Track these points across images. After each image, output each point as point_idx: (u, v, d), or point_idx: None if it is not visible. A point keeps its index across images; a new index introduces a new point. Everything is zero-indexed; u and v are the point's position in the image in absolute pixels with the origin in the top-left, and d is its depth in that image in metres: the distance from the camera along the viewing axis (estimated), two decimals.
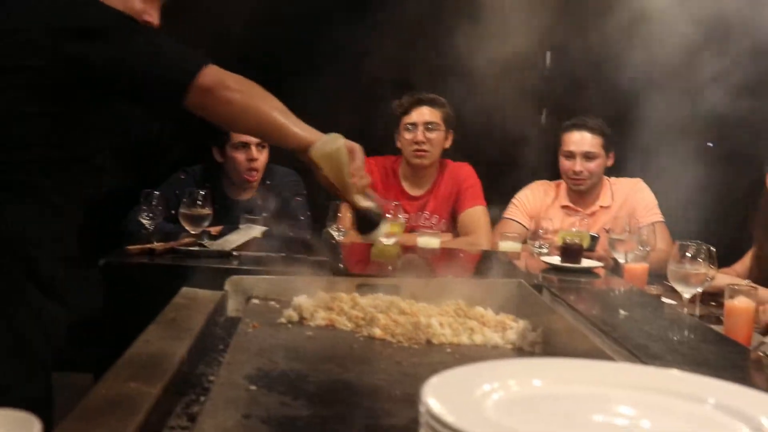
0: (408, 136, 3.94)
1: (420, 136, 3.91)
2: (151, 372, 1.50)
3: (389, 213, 3.24)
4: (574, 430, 0.81)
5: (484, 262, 3.27)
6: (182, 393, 1.58)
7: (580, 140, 3.94)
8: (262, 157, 3.85)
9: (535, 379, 0.90)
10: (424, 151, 3.91)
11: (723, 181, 4.31)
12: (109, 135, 2.07)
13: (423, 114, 3.94)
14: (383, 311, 2.08)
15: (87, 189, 2.06)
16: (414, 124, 3.93)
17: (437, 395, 0.84)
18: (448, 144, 4.00)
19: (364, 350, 1.87)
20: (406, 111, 3.96)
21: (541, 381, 0.90)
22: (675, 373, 0.94)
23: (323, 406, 1.46)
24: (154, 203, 3.21)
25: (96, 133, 2.05)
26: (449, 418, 0.79)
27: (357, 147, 2.07)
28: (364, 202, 2.09)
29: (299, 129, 2.03)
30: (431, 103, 3.96)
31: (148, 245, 2.60)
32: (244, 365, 1.67)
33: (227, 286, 2.27)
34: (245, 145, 3.81)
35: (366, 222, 2.12)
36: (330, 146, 2.02)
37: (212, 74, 1.94)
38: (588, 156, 3.93)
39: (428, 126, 3.91)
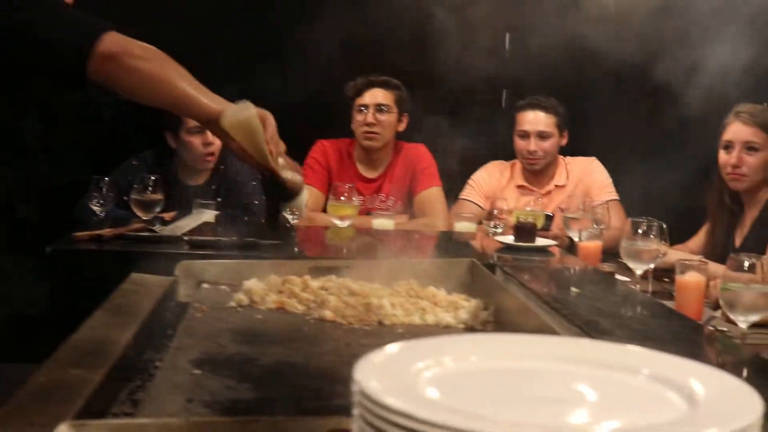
0: (359, 117, 3.91)
1: (370, 118, 3.88)
2: (94, 358, 1.47)
3: (344, 195, 3.22)
4: (505, 403, 0.80)
5: (438, 243, 3.26)
6: (128, 379, 1.55)
7: (534, 120, 3.94)
8: (217, 141, 3.80)
9: (471, 355, 0.89)
10: (375, 133, 3.89)
11: (679, 158, 4.35)
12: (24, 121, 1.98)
13: (374, 96, 3.91)
14: (334, 293, 2.06)
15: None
16: (365, 106, 3.90)
17: (369, 373, 0.82)
18: (402, 127, 3.98)
19: (314, 333, 1.86)
20: (359, 93, 3.93)
21: (477, 357, 0.88)
22: (610, 345, 0.93)
23: (268, 389, 1.44)
24: (104, 190, 3.16)
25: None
26: (381, 396, 0.77)
27: (268, 114, 2.00)
28: (284, 171, 2.04)
29: (208, 99, 1.95)
30: (383, 85, 3.93)
31: (96, 231, 2.56)
32: (190, 350, 1.64)
33: (177, 271, 2.23)
34: (200, 130, 3.75)
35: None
36: (241, 115, 1.95)
37: (116, 40, 1.85)
38: (542, 135, 3.93)
39: (379, 108, 3.89)
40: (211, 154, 3.79)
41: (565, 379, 0.86)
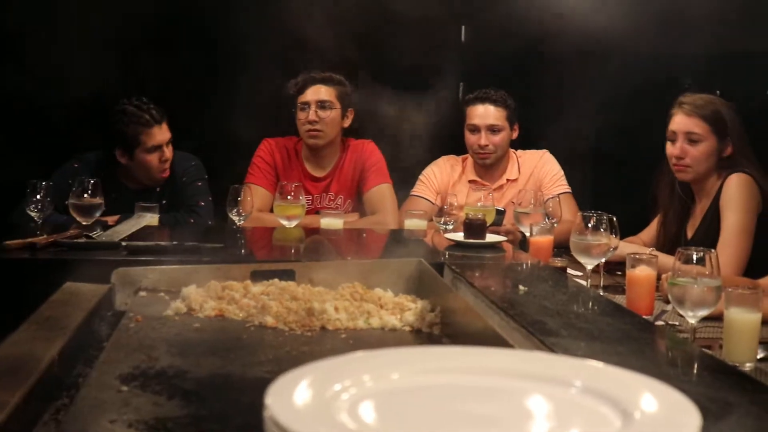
0: (302, 115, 3.83)
1: (312, 116, 3.80)
2: (12, 378, 1.39)
3: (291, 195, 3.14)
4: (430, 423, 0.74)
5: (387, 242, 3.21)
6: (54, 398, 1.47)
7: (484, 113, 3.89)
8: (169, 152, 3.71)
9: (393, 372, 0.82)
10: (317, 130, 3.81)
11: (632, 149, 4.34)
12: None
13: (316, 93, 3.83)
14: (276, 298, 1.99)
15: None
16: (307, 104, 3.82)
17: (280, 399, 0.76)
18: (347, 123, 3.90)
19: (254, 340, 1.79)
20: (300, 90, 3.85)
21: (398, 374, 0.82)
22: (540, 355, 0.87)
23: (199, 405, 1.37)
24: (41, 194, 3.05)
25: None
26: (292, 425, 0.71)
27: None
28: None
29: None
30: (325, 82, 3.85)
31: (29, 239, 2.46)
32: (119, 364, 1.56)
33: (114, 279, 2.15)
34: (158, 148, 3.66)
35: None
36: None
37: None
38: (492, 129, 3.89)
39: (321, 105, 3.81)
40: (167, 167, 3.71)
41: (490, 395, 0.81)
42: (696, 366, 1.49)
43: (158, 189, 3.77)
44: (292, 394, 0.77)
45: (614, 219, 2.49)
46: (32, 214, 3.05)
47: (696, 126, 3.07)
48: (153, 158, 3.68)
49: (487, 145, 3.88)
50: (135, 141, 3.64)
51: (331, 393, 0.78)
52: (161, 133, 3.67)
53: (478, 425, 0.75)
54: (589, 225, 2.47)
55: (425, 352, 0.90)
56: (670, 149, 3.12)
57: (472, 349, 0.88)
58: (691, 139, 3.07)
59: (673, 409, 0.77)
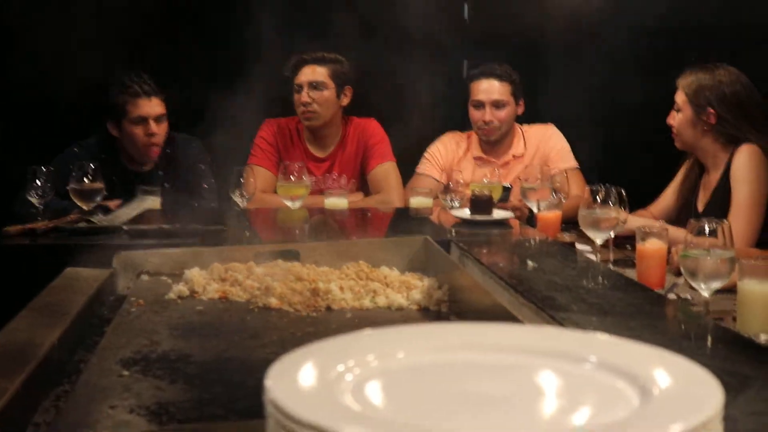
0: (297, 97, 3.78)
1: (305, 97, 3.75)
2: (13, 364, 1.36)
3: (294, 175, 3.10)
4: (435, 408, 0.70)
5: (393, 221, 3.17)
6: (54, 384, 1.44)
7: (488, 89, 3.83)
8: (161, 130, 3.65)
9: (398, 351, 0.79)
10: (311, 112, 3.76)
11: (638, 122, 4.28)
12: None
13: (308, 73, 3.77)
14: (280, 279, 1.96)
15: None
16: (300, 85, 3.77)
17: (281, 381, 0.72)
18: (345, 101, 3.84)
19: (258, 322, 1.76)
20: (294, 71, 3.79)
21: (405, 352, 0.79)
22: (553, 330, 0.83)
23: (202, 389, 1.34)
24: (42, 180, 3.02)
25: None
26: (293, 408, 0.67)
27: None
28: None
29: None
30: (318, 61, 3.78)
31: (29, 225, 2.43)
32: (120, 349, 1.54)
33: (115, 263, 2.13)
34: (143, 120, 3.61)
35: None
36: None
37: None
38: (497, 104, 3.83)
39: (313, 85, 3.75)
40: (155, 144, 3.64)
41: (502, 372, 0.77)
42: (711, 339, 1.45)
43: (160, 172, 3.73)
44: (294, 376, 0.73)
45: (623, 192, 2.45)
46: (33, 200, 3.02)
47: (678, 96, 3.16)
48: (138, 131, 3.62)
49: (491, 121, 3.83)
50: (122, 111, 3.61)
51: (335, 374, 0.75)
52: (149, 106, 3.61)
53: (490, 404, 0.71)
54: (598, 198, 2.43)
55: (432, 330, 0.86)
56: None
57: (482, 326, 0.84)
58: (676, 109, 3.16)
59: (694, 383, 0.73)
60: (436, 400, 0.73)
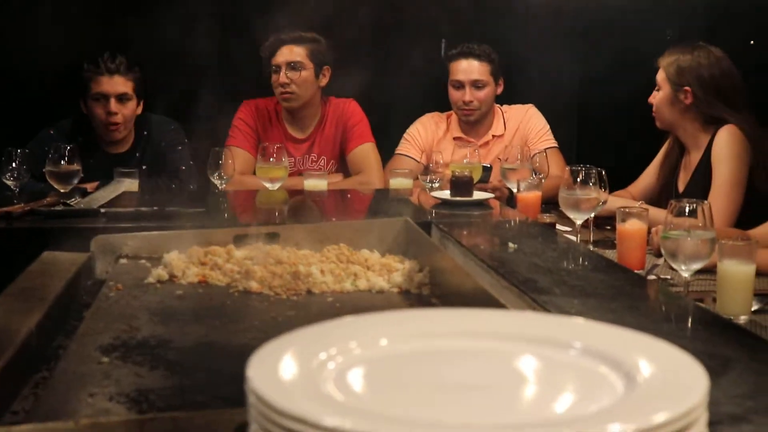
0: (274, 78, 3.74)
1: (283, 78, 3.70)
2: None
3: (273, 156, 3.08)
4: (418, 397, 0.69)
5: (373, 202, 3.16)
6: (33, 371, 1.43)
7: (468, 68, 3.81)
8: (124, 110, 3.57)
9: (381, 338, 0.78)
10: (289, 93, 3.72)
11: (617, 101, 4.29)
12: None
13: (285, 54, 3.73)
14: (260, 263, 1.94)
15: None
16: (278, 66, 3.73)
17: (262, 370, 0.71)
18: (324, 81, 3.80)
19: (238, 307, 1.75)
20: (272, 53, 3.75)
21: (387, 339, 0.78)
22: (537, 316, 0.83)
23: (183, 376, 1.33)
24: (17, 162, 2.98)
25: None
26: (275, 398, 0.66)
27: None
28: None
29: None
30: (295, 41, 3.73)
31: (5, 208, 2.39)
32: (99, 335, 1.52)
33: (93, 247, 2.10)
34: (104, 97, 3.55)
35: None
36: None
37: None
38: (477, 85, 3.81)
39: (291, 66, 3.71)
40: (114, 124, 3.58)
41: (486, 360, 0.77)
42: (692, 321, 1.46)
43: (137, 154, 3.69)
44: (275, 365, 0.72)
45: (603, 173, 2.45)
46: (8, 182, 2.98)
47: (658, 75, 3.16)
48: (98, 108, 3.57)
49: (471, 101, 3.82)
50: (86, 87, 3.56)
51: (317, 362, 0.74)
52: (109, 84, 3.55)
53: (474, 392, 0.71)
54: (578, 179, 2.43)
55: (415, 316, 0.85)
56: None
57: (465, 312, 0.83)
58: (657, 88, 3.17)
59: (679, 370, 0.73)
60: (419, 389, 0.72)
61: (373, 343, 0.77)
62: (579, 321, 0.82)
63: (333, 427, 0.62)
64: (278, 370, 0.72)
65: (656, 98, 3.16)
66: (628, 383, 0.71)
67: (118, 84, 3.56)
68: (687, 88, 3.05)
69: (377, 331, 0.79)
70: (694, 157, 3.12)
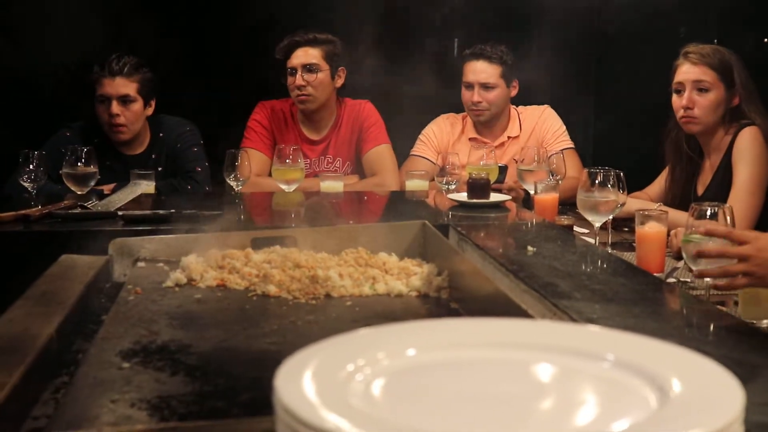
0: (290, 80, 3.73)
1: (299, 80, 3.69)
2: (10, 356, 1.34)
3: (289, 158, 3.08)
4: (449, 409, 0.68)
5: (389, 204, 3.15)
6: (54, 375, 1.43)
7: (478, 70, 3.80)
8: (127, 112, 3.56)
9: (409, 347, 0.77)
10: (306, 95, 3.71)
11: (634, 101, 4.27)
12: None
13: (301, 56, 3.72)
14: (278, 266, 1.94)
15: None
16: (294, 68, 3.71)
17: (291, 382, 0.70)
18: (339, 83, 3.80)
19: (257, 311, 1.74)
20: (287, 54, 3.74)
21: (416, 349, 0.77)
22: (570, 327, 0.82)
23: (204, 381, 1.32)
24: (34, 164, 2.99)
25: None
26: (306, 412, 0.66)
27: None
28: None
29: None
30: (310, 43, 3.72)
31: (23, 211, 2.40)
32: (119, 339, 1.52)
33: (111, 250, 2.10)
34: (107, 99, 3.56)
35: None
36: None
37: None
38: (486, 86, 3.80)
39: (308, 68, 3.70)
40: (117, 125, 3.58)
41: (518, 371, 0.76)
42: (715, 326, 1.44)
43: (153, 155, 3.69)
44: (303, 376, 0.71)
45: (621, 175, 2.43)
46: (25, 184, 2.99)
47: (704, 74, 2.98)
48: (101, 110, 3.58)
49: (480, 102, 3.80)
50: (92, 90, 3.58)
51: (345, 374, 0.73)
52: (111, 86, 3.55)
53: (505, 404, 0.70)
54: (596, 181, 2.41)
55: (443, 325, 0.85)
56: (677, 101, 3.04)
57: (496, 321, 0.82)
58: (700, 88, 2.99)
59: (713, 381, 0.72)
60: (450, 401, 0.71)
61: (401, 353, 0.77)
62: (612, 333, 0.81)
63: None
64: (306, 382, 0.71)
65: (706, 100, 2.99)
66: (662, 397, 0.70)
67: (120, 86, 3.56)
68: (735, 89, 2.97)
69: (404, 341, 0.78)
70: (714, 159, 3.07)
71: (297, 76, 3.68)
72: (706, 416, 0.65)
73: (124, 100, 3.56)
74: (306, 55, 3.70)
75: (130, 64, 3.58)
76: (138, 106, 3.59)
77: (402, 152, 3.95)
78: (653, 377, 0.73)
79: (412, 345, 0.79)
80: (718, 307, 1.66)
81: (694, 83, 2.99)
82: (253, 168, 3.31)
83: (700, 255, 1.78)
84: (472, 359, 0.78)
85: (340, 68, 3.76)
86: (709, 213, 1.90)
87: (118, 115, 3.54)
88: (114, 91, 3.55)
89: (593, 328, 0.83)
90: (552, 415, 0.70)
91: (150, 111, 3.67)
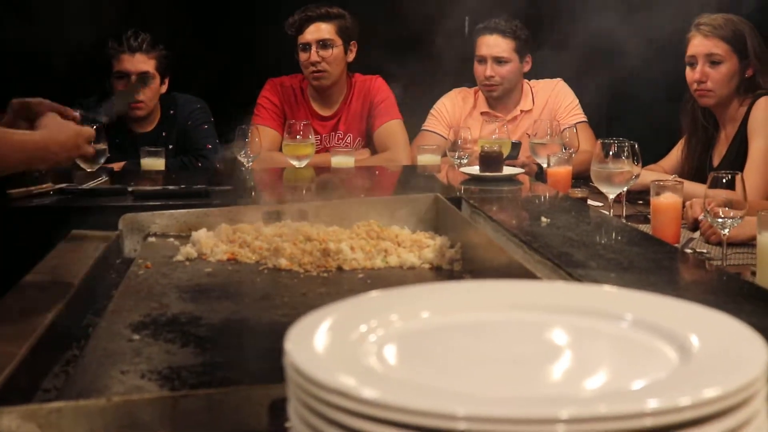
0: (303, 56, 3.68)
1: (314, 57, 3.65)
2: (20, 329, 1.33)
3: (299, 134, 3.05)
4: (466, 369, 0.66)
5: (401, 178, 3.12)
6: (64, 348, 1.41)
7: (491, 44, 3.75)
8: (146, 89, 3.57)
9: (423, 310, 0.75)
10: (321, 71, 3.68)
11: (646, 75, 4.21)
12: None
13: (315, 31, 3.66)
14: (289, 240, 1.92)
15: None
16: (308, 44, 3.67)
17: (302, 344, 0.68)
18: (351, 57, 3.76)
19: (268, 284, 1.73)
20: (299, 30, 3.68)
21: (430, 312, 0.75)
22: (586, 287, 0.80)
23: (214, 352, 1.31)
24: None
25: None
26: (317, 372, 0.64)
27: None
28: None
29: None
30: (323, 18, 3.67)
31: (33, 187, 2.39)
32: (129, 312, 1.51)
33: (121, 225, 2.09)
34: (125, 75, 3.55)
35: None
36: None
37: None
38: (499, 60, 3.75)
39: (322, 44, 3.65)
40: (137, 101, 3.57)
41: (535, 332, 0.74)
42: (734, 293, 1.42)
43: (164, 133, 3.68)
44: (314, 338, 0.70)
45: (636, 146, 2.40)
46: None
47: (716, 47, 2.93)
48: (120, 86, 3.58)
49: (492, 76, 3.75)
50: (109, 66, 3.58)
51: (357, 335, 0.71)
52: (130, 63, 3.55)
53: (526, 365, 0.68)
54: (611, 153, 2.38)
55: (458, 287, 0.82)
56: (690, 74, 3.00)
57: (512, 283, 0.80)
58: (713, 60, 2.94)
59: (735, 338, 0.69)
60: (465, 362, 0.69)
61: (414, 315, 0.75)
62: (630, 292, 0.79)
63: (372, 400, 0.60)
64: (317, 342, 0.69)
65: (719, 73, 2.93)
66: (683, 355, 0.68)
67: (140, 62, 3.55)
68: (749, 59, 2.92)
69: (418, 303, 0.76)
70: (729, 131, 3.02)
71: (312, 52, 3.64)
72: (730, 372, 0.63)
73: (143, 77, 3.55)
74: (319, 30, 3.65)
75: (148, 40, 3.57)
76: (156, 83, 3.59)
77: (412, 130, 3.92)
78: (674, 335, 0.71)
79: (426, 307, 0.77)
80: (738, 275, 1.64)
81: (706, 56, 2.94)
82: (263, 144, 3.29)
83: None
84: (488, 321, 0.76)
85: (351, 42, 3.72)
86: (725, 180, 1.87)
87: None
88: (133, 67, 3.55)
89: (611, 289, 0.81)
90: (572, 374, 0.68)
91: (164, 89, 3.66)
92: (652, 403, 0.59)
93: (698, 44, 2.97)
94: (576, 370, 0.69)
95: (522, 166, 3.15)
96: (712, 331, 0.71)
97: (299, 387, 0.66)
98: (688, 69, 3.02)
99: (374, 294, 0.78)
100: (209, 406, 0.98)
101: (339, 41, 3.66)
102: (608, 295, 0.79)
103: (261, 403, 0.97)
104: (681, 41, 3.09)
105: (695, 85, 2.97)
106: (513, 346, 0.71)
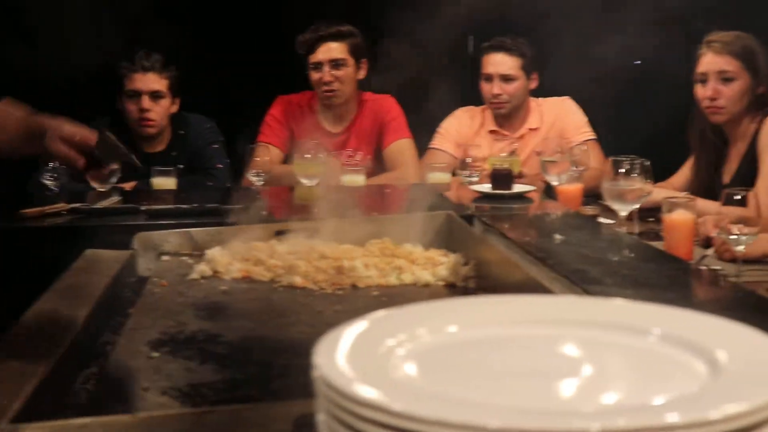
0: (315, 76, 3.70)
1: (327, 76, 3.67)
2: (40, 347, 1.33)
3: (309, 153, 3.06)
4: (494, 383, 0.67)
5: (412, 196, 3.12)
6: (84, 366, 1.42)
7: (497, 62, 3.77)
8: (157, 107, 3.59)
9: (450, 324, 0.75)
10: (333, 90, 3.70)
11: (655, 95, 4.23)
12: None
13: (327, 51, 3.67)
14: (303, 257, 1.93)
15: None
16: (320, 63, 3.69)
17: (331, 357, 0.69)
18: (361, 75, 3.78)
19: (283, 302, 1.74)
20: (311, 49, 3.70)
21: (457, 326, 0.75)
22: (612, 302, 0.80)
23: (234, 369, 1.32)
24: (56, 162, 2.98)
25: None
26: (348, 385, 0.64)
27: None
28: None
29: None
30: (335, 37, 3.68)
31: (46, 207, 2.40)
32: (147, 330, 1.52)
33: (135, 244, 2.09)
34: (137, 94, 3.58)
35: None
36: None
37: None
38: (505, 78, 3.77)
39: (334, 63, 3.67)
40: (148, 120, 3.60)
41: (563, 346, 0.74)
42: (751, 309, 1.42)
43: (174, 153, 3.69)
44: (343, 352, 0.70)
45: (647, 163, 2.40)
46: (48, 182, 2.99)
47: (728, 64, 2.94)
48: (131, 106, 3.60)
49: (500, 94, 3.77)
50: (121, 85, 3.61)
51: (385, 348, 0.72)
52: (142, 81, 3.58)
53: (555, 379, 0.68)
54: (621, 170, 2.38)
55: (483, 302, 0.83)
56: (701, 91, 3.00)
57: (537, 298, 0.81)
58: (725, 78, 2.94)
59: (764, 352, 0.70)
60: (494, 375, 0.70)
61: (441, 329, 0.75)
62: (657, 307, 0.79)
63: (404, 412, 0.60)
64: (346, 356, 0.70)
65: (729, 90, 2.93)
66: (713, 369, 0.68)
67: (152, 81, 3.58)
68: (761, 76, 2.92)
69: (446, 316, 0.76)
70: (740, 148, 3.02)
71: (324, 71, 3.66)
72: (760, 386, 0.63)
73: (155, 95, 3.59)
74: (331, 50, 3.67)
75: (161, 60, 3.61)
76: (167, 102, 3.62)
77: (423, 148, 3.93)
78: (701, 349, 0.71)
79: (454, 321, 0.77)
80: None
81: (718, 73, 2.95)
82: (267, 160, 3.30)
83: None
84: (517, 335, 0.76)
85: (362, 60, 3.73)
86: (738, 198, 1.87)
87: (149, 110, 3.56)
88: (145, 86, 3.58)
89: (636, 304, 0.81)
90: (601, 388, 0.68)
91: (175, 108, 3.69)
92: (685, 417, 0.59)
93: (710, 61, 2.97)
94: (606, 383, 0.70)
95: (520, 175, 3.15)
96: (739, 345, 0.71)
97: (330, 401, 0.66)
98: (698, 86, 3.02)
99: (400, 309, 0.78)
100: (232, 422, 0.99)
101: (351, 60, 3.68)
102: (634, 309, 0.80)
103: (284, 420, 0.97)
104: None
105: (706, 102, 2.97)
106: (544, 360, 0.71)
